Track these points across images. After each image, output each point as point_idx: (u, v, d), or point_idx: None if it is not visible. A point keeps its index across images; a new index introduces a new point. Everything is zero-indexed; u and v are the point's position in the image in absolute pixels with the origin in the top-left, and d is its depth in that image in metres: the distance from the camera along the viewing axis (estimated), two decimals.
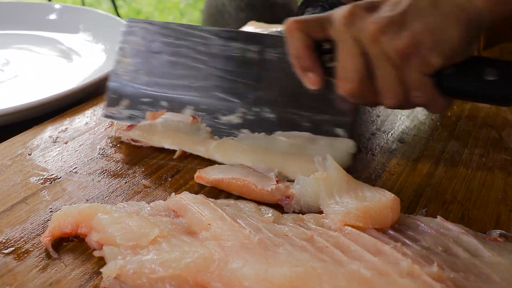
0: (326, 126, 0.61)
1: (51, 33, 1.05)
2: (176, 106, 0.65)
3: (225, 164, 0.59)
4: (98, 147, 0.63)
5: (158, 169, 0.59)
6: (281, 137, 0.61)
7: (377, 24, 0.50)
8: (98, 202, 0.54)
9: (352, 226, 0.47)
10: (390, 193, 0.49)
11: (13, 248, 0.47)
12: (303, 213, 0.52)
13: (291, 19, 0.56)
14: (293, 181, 0.54)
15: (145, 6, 4.04)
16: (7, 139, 0.64)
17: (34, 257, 0.46)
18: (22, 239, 0.48)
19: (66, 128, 0.68)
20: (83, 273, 0.44)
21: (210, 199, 0.51)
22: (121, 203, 0.51)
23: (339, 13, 0.53)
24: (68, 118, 0.70)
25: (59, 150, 0.63)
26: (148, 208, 0.50)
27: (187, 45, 0.66)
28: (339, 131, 0.61)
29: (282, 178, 0.56)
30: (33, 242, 0.48)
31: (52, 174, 0.58)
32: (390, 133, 0.68)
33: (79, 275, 0.44)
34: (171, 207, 0.50)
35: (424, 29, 0.49)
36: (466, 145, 0.66)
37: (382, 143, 0.66)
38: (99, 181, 0.57)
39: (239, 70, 0.64)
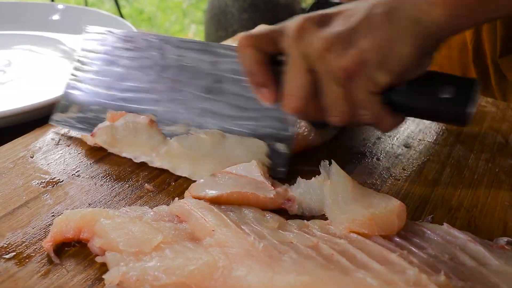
0: (267, 140, 0.59)
1: (54, 34, 1.05)
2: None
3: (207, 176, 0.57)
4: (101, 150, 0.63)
5: (161, 173, 0.59)
6: (201, 134, 0.60)
7: (324, 40, 0.48)
8: (100, 206, 0.53)
9: (358, 233, 0.47)
10: (396, 199, 0.49)
11: (15, 253, 0.46)
12: (305, 216, 0.52)
13: (242, 35, 0.54)
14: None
15: (147, 6, 4.04)
16: (9, 141, 0.64)
17: (36, 262, 0.45)
18: (24, 244, 0.47)
19: (69, 130, 0.67)
20: (85, 279, 0.44)
21: (214, 204, 0.50)
22: (124, 208, 0.50)
23: (290, 26, 0.51)
24: None
25: (61, 153, 0.62)
26: (151, 213, 0.49)
27: (144, 55, 0.66)
28: (280, 145, 0.59)
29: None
30: (35, 247, 0.47)
31: (54, 178, 0.57)
32: (395, 138, 0.68)
33: (81, 281, 0.44)
34: (175, 212, 0.49)
35: (372, 46, 0.48)
36: (472, 150, 0.66)
37: (387, 147, 0.66)
38: (102, 185, 0.57)
39: (189, 80, 0.63)
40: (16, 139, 0.64)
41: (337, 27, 0.49)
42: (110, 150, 0.62)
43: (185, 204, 0.49)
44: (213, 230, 0.45)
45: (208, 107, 0.62)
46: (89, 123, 0.64)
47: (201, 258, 0.42)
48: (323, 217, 0.51)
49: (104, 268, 0.44)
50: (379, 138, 0.67)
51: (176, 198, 0.52)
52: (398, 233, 0.48)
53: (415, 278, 0.40)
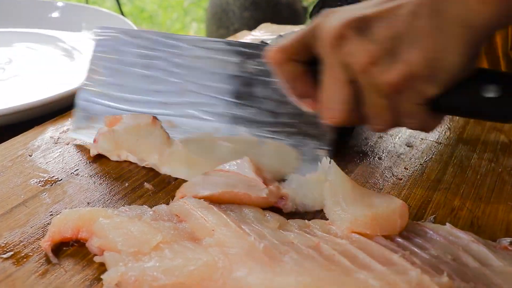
0: (307, 149, 0.57)
1: (54, 31, 1.04)
2: None
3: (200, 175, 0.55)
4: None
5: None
6: (223, 142, 0.58)
7: (368, 52, 0.45)
8: (99, 206, 0.53)
9: (359, 234, 0.46)
10: (398, 199, 0.48)
11: (12, 253, 0.46)
12: (299, 212, 0.51)
13: (274, 50, 0.51)
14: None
15: (148, 4, 4.04)
16: (7, 140, 0.63)
17: (34, 262, 0.45)
18: (22, 243, 0.47)
19: (68, 128, 0.67)
20: (84, 280, 0.43)
21: (214, 203, 0.50)
22: (123, 207, 0.49)
23: (326, 31, 0.47)
24: (69, 119, 0.69)
25: (60, 151, 0.62)
26: (150, 212, 0.49)
27: (162, 56, 0.62)
28: (321, 154, 0.57)
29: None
30: (33, 247, 0.47)
31: (53, 176, 0.57)
32: (397, 137, 0.67)
33: (79, 281, 0.43)
34: (174, 212, 0.49)
35: (420, 58, 0.44)
36: (474, 149, 0.65)
37: (390, 147, 0.65)
38: (101, 183, 0.56)
39: (217, 85, 0.60)
40: (14, 137, 0.64)
41: (380, 35, 0.45)
42: (113, 158, 0.60)
43: (185, 203, 0.49)
44: (213, 230, 0.44)
45: (239, 114, 0.59)
46: None
47: (201, 259, 0.41)
48: (324, 217, 0.50)
49: (102, 268, 0.44)
50: (380, 137, 0.67)
51: (176, 197, 0.52)
52: (400, 234, 0.47)
53: (417, 279, 0.39)
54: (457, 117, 0.72)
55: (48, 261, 0.45)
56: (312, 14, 0.75)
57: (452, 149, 0.65)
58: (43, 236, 0.48)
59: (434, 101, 0.47)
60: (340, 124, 0.50)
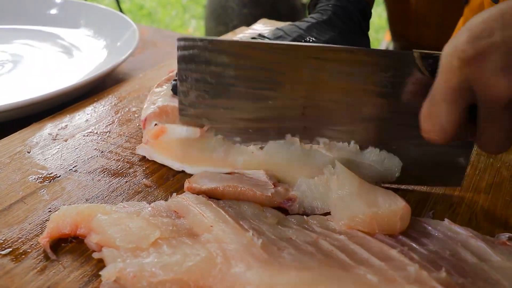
0: (445, 157, 0.55)
1: (52, 28, 1.04)
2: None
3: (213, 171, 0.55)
4: (99, 145, 0.62)
5: (159, 168, 0.58)
6: (322, 150, 0.54)
7: None
8: (98, 202, 0.52)
9: (358, 230, 0.46)
10: (402, 200, 0.48)
11: (11, 249, 0.46)
12: (307, 215, 0.51)
13: (436, 132, 0.44)
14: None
15: (147, 1, 4.03)
16: (6, 136, 0.63)
17: (32, 258, 0.45)
18: (20, 240, 0.47)
19: (66, 125, 0.67)
20: (82, 276, 0.43)
21: (212, 199, 0.50)
22: (121, 203, 0.49)
23: (494, 93, 0.41)
24: (68, 115, 0.69)
25: (58, 148, 0.61)
26: (149, 208, 0.49)
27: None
28: (461, 160, 0.55)
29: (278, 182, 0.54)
30: (31, 243, 0.47)
31: (51, 173, 0.57)
32: None
33: (77, 277, 0.43)
34: (173, 208, 0.49)
35: None
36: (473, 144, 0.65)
37: None
38: (99, 180, 0.56)
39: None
40: (13, 134, 0.64)
41: None
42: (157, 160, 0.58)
43: (183, 199, 0.49)
44: (211, 226, 0.44)
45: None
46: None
47: (199, 254, 0.41)
48: (323, 214, 0.50)
49: (101, 264, 0.44)
50: None
51: (174, 194, 0.52)
52: None
53: (415, 275, 0.39)
54: None
55: (46, 257, 0.45)
56: (308, 7, 0.75)
57: None
58: (41, 232, 0.48)
59: None
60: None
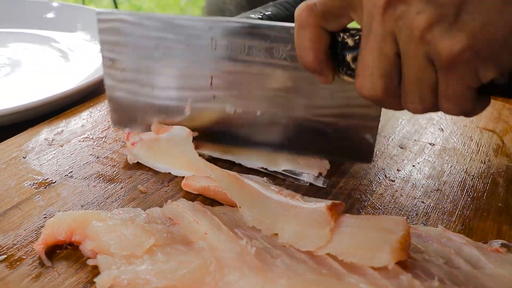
0: (352, 132, 0.57)
1: (49, 32, 1.04)
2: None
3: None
4: (95, 151, 0.62)
5: (154, 174, 0.58)
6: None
7: (427, 17, 0.38)
8: (93, 208, 0.53)
9: None
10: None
11: (6, 256, 0.46)
12: None
13: (303, 7, 0.44)
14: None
15: (146, 3, 4.03)
16: (1, 142, 0.63)
17: (27, 265, 0.45)
18: (15, 246, 0.47)
19: (62, 130, 0.67)
20: (77, 283, 0.43)
21: (207, 206, 0.50)
22: (116, 210, 0.49)
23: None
24: (64, 120, 0.69)
25: (54, 153, 0.62)
26: (143, 215, 0.49)
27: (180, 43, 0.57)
28: (367, 136, 0.57)
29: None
30: (26, 250, 0.47)
31: (47, 178, 0.57)
32: (390, 138, 0.67)
33: (72, 284, 0.43)
34: (167, 215, 0.49)
35: (486, 33, 0.37)
36: (467, 150, 0.65)
37: (382, 148, 0.65)
38: (95, 186, 0.56)
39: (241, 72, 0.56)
40: (8, 139, 0.64)
41: None
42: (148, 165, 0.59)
43: (178, 206, 0.49)
44: (205, 233, 0.45)
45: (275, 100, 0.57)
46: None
47: (193, 262, 0.41)
48: None
49: (96, 271, 0.44)
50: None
51: (169, 200, 0.52)
52: None
53: (408, 284, 0.39)
54: (450, 117, 0.72)
55: (41, 264, 0.45)
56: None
57: (445, 151, 0.65)
58: (36, 239, 0.48)
59: (485, 88, 0.42)
60: (375, 100, 0.45)
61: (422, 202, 0.55)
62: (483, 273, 0.44)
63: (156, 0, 4.04)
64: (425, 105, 0.43)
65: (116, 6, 2.80)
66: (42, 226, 0.49)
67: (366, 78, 0.43)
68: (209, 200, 0.54)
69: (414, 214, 0.54)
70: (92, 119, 0.70)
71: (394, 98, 0.44)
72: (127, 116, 0.62)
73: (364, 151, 0.58)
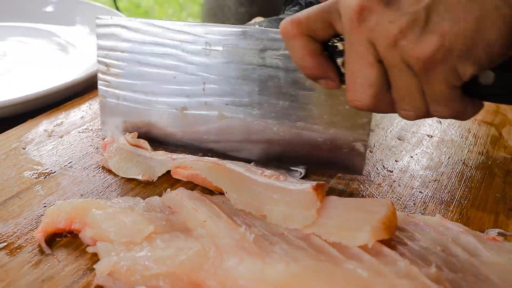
0: (341, 141, 0.56)
1: (48, 26, 1.04)
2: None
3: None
4: (94, 142, 0.63)
5: None
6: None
7: (396, 24, 0.40)
8: (92, 197, 0.53)
9: None
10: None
11: (6, 244, 0.46)
12: None
13: (288, 22, 0.46)
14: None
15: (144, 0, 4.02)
16: (1, 133, 0.64)
17: (27, 252, 0.45)
18: (15, 234, 0.47)
19: (62, 122, 0.67)
20: (76, 269, 0.44)
21: (206, 195, 0.50)
22: (116, 199, 0.50)
23: (348, 4, 0.42)
24: (63, 112, 0.69)
25: (54, 144, 0.62)
26: (143, 203, 0.49)
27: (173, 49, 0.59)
28: (358, 145, 0.56)
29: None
30: (26, 238, 0.47)
31: (47, 169, 0.57)
32: (388, 130, 0.68)
33: (72, 271, 0.44)
34: (167, 203, 0.49)
35: (456, 30, 0.39)
36: (465, 142, 0.66)
37: (381, 140, 0.66)
38: (94, 176, 0.56)
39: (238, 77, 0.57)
40: (8, 131, 0.64)
41: (408, 4, 0.40)
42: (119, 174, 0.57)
43: (177, 194, 0.49)
44: (204, 221, 0.45)
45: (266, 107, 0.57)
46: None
47: (192, 248, 0.42)
48: None
49: (95, 258, 0.44)
50: (372, 130, 0.67)
51: (168, 189, 0.52)
52: None
53: (406, 270, 0.39)
54: None
55: (41, 251, 0.45)
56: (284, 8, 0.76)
57: (443, 142, 0.66)
58: (36, 227, 0.48)
59: (471, 85, 0.43)
60: (367, 109, 0.46)
61: (420, 192, 0.56)
62: (480, 260, 0.45)
63: None
64: (416, 111, 0.45)
65: (115, 2, 2.80)
66: (42, 215, 0.49)
67: (356, 90, 0.44)
68: (208, 190, 0.54)
69: (412, 203, 0.54)
70: (91, 111, 0.70)
71: (387, 106, 0.46)
72: (116, 123, 0.63)
73: (354, 162, 0.57)
